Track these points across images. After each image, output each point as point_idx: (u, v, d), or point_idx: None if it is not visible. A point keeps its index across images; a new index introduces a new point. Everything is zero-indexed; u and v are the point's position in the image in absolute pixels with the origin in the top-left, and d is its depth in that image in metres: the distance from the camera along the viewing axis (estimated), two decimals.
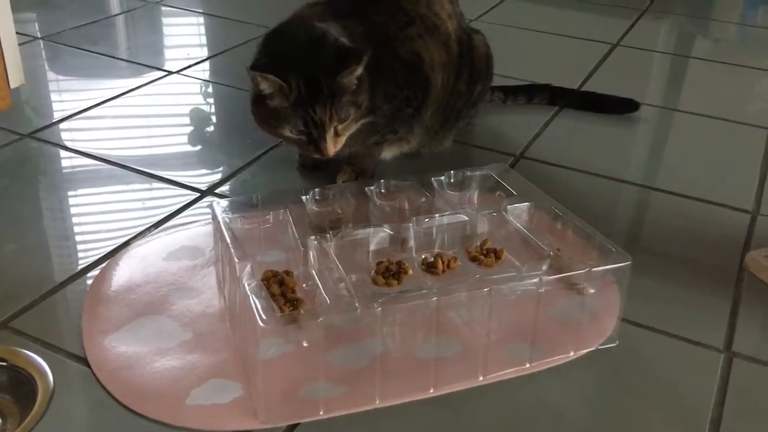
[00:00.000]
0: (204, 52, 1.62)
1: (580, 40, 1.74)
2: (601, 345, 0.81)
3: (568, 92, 1.42)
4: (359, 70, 0.92)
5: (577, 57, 1.65)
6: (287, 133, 0.94)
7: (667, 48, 1.80)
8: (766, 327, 0.87)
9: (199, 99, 1.43)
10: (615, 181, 1.15)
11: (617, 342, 0.81)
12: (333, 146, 0.93)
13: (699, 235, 1.03)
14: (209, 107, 1.42)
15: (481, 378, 0.76)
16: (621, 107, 1.38)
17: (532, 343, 0.79)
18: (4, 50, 0.92)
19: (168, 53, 1.65)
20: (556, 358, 0.79)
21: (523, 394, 0.76)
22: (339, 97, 0.91)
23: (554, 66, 1.60)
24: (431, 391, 0.74)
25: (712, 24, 2.00)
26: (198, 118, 1.39)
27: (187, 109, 1.40)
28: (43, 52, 1.59)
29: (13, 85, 0.94)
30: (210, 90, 1.47)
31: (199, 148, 1.25)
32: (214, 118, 1.40)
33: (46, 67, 1.55)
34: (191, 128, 1.34)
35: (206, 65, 1.54)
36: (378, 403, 0.73)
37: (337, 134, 0.94)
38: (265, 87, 0.91)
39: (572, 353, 0.80)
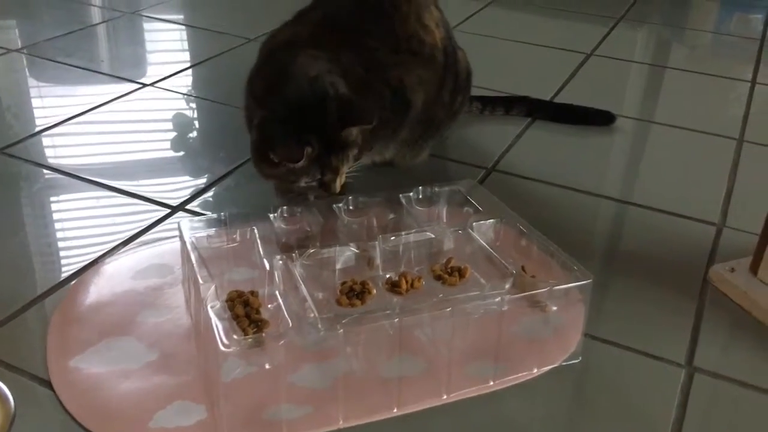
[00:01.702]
0: (180, 64, 1.62)
1: (554, 50, 1.76)
2: (564, 361, 0.82)
3: (546, 104, 1.43)
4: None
5: (551, 66, 1.66)
6: (302, 184, 0.96)
7: (643, 57, 1.82)
8: (728, 341, 0.88)
9: (173, 112, 1.43)
10: (585, 194, 1.16)
11: (580, 358, 0.82)
12: (340, 184, 0.97)
13: (665, 248, 1.04)
14: (184, 119, 1.43)
15: (444, 396, 0.77)
16: (597, 119, 1.39)
17: (495, 360, 0.79)
18: None
19: (144, 65, 1.65)
20: (519, 375, 0.80)
21: (487, 412, 0.76)
22: (351, 147, 0.96)
23: (528, 75, 1.61)
24: (395, 410, 0.75)
25: (688, 32, 2.02)
26: (179, 124, 1.40)
27: (157, 124, 1.40)
28: (16, 64, 1.59)
29: None
30: (184, 103, 1.46)
31: (171, 162, 1.26)
32: (193, 128, 1.40)
33: (10, 84, 1.54)
34: (173, 135, 1.35)
35: (182, 77, 1.54)
36: (341, 424, 0.73)
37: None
38: (296, 158, 0.93)
39: (535, 370, 0.81)
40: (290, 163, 0.92)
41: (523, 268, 0.86)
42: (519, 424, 0.76)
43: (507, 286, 0.78)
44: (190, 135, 1.37)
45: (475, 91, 1.28)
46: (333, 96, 0.94)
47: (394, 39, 1.07)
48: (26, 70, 1.58)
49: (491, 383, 0.79)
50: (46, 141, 1.26)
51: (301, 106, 0.94)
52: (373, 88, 1.03)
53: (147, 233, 1.02)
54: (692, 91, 1.60)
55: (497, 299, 0.76)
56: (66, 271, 0.93)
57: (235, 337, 0.68)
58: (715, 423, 0.77)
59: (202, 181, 1.16)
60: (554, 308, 0.80)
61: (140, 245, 0.99)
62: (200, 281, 0.76)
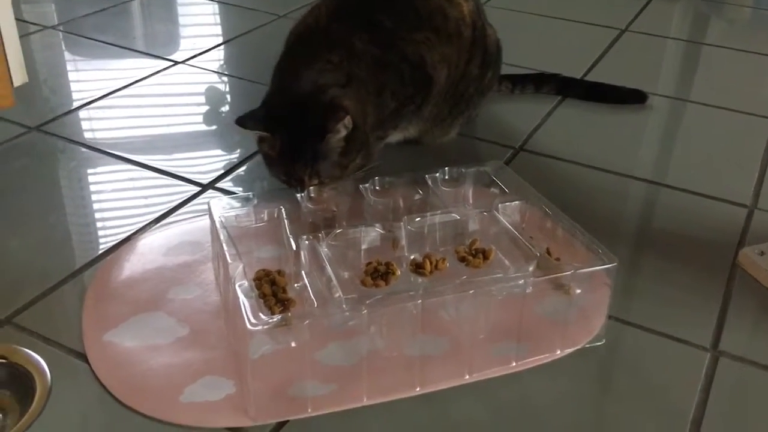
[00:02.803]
0: (212, 39, 1.63)
1: (587, 25, 1.73)
2: (587, 344, 0.82)
3: (576, 82, 1.42)
4: (343, 132, 0.94)
5: (584, 43, 1.64)
6: (274, 175, 0.98)
7: (680, 33, 1.78)
8: (755, 326, 0.88)
9: (201, 99, 1.45)
10: (614, 175, 1.15)
11: (604, 341, 0.83)
12: (317, 196, 0.95)
13: (695, 230, 1.04)
14: (210, 106, 1.44)
15: (467, 376, 0.78)
16: (628, 98, 1.37)
17: (518, 341, 0.80)
18: (6, 49, 0.94)
19: (176, 42, 1.67)
20: (542, 356, 0.80)
21: (509, 392, 0.77)
22: (322, 159, 0.94)
23: (560, 52, 1.59)
24: (418, 389, 0.76)
25: (727, 7, 1.97)
26: (211, 97, 1.42)
27: (189, 101, 1.42)
28: (52, 41, 1.61)
29: (16, 83, 0.96)
30: (217, 80, 1.48)
31: (202, 138, 1.28)
32: (225, 102, 1.42)
33: (47, 62, 1.56)
34: (205, 109, 1.38)
35: (214, 54, 1.55)
36: (365, 401, 0.75)
37: (323, 184, 0.96)
38: (258, 135, 0.96)
39: (559, 352, 0.81)
40: (242, 127, 0.95)
41: (548, 250, 0.86)
42: (541, 405, 0.77)
43: (531, 268, 0.79)
44: (223, 109, 1.39)
45: (504, 69, 1.27)
46: (321, 99, 0.96)
47: (414, 16, 1.07)
48: (62, 45, 1.61)
49: (514, 364, 0.79)
50: (80, 118, 1.29)
51: (288, 107, 0.96)
52: (391, 66, 1.03)
53: (178, 211, 1.04)
54: (729, 68, 1.57)
55: (521, 282, 0.76)
56: (100, 248, 0.96)
57: (262, 316, 0.70)
58: (738, 408, 0.77)
59: (233, 157, 1.18)
60: (578, 291, 0.80)
61: (172, 223, 1.02)
62: (228, 260, 0.78)
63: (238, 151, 1.20)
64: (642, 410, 0.76)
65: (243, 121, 0.96)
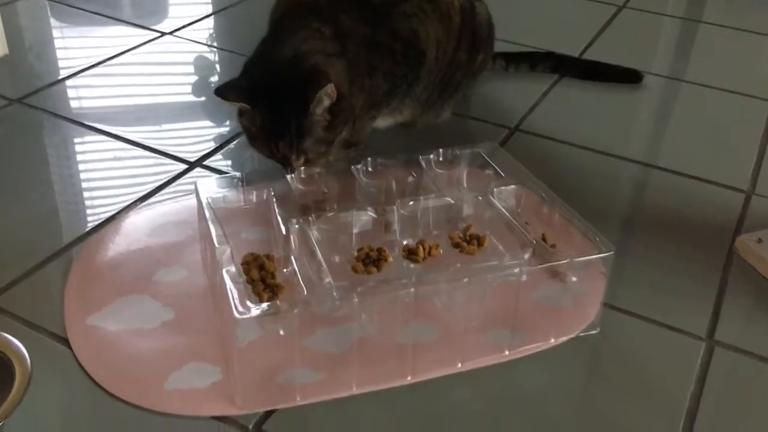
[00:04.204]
0: (201, 7, 1.59)
1: (585, 1, 1.70)
2: (582, 332, 0.81)
3: (571, 61, 1.39)
4: (326, 101, 0.88)
5: (582, 19, 1.61)
6: (258, 150, 0.93)
7: (677, 10, 1.75)
8: (751, 315, 0.87)
9: (187, 68, 1.41)
10: (610, 157, 1.13)
11: (598, 329, 0.81)
12: (302, 174, 0.91)
13: (691, 215, 1.02)
14: (198, 76, 1.40)
15: (459, 365, 0.76)
16: (624, 78, 1.35)
17: (512, 328, 0.79)
18: None
19: (164, 11, 1.63)
20: (536, 345, 0.79)
21: (502, 381, 0.76)
22: (307, 134, 0.89)
23: (556, 29, 1.56)
24: (409, 378, 0.75)
25: None
26: (200, 67, 1.39)
27: (178, 71, 1.38)
28: (28, 12, 1.57)
29: None
30: (206, 51, 1.44)
31: (190, 111, 1.25)
32: (214, 72, 1.38)
33: (32, 31, 1.52)
34: (194, 79, 1.36)
35: (202, 25, 1.51)
36: (355, 390, 0.73)
37: (309, 162, 0.92)
38: (239, 107, 0.91)
39: (552, 340, 0.80)
40: (222, 98, 0.90)
41: (543, 236, 0.84)
42: (534, 394, 0.75)
43: (526, 256, 0.77)
44: (212, 79, 1.36)
45: (498, 46, 1.24)
46: (304, 70, 0.90)
47: None
48: (48, 13, 1.56)
49: (507, 352, 0.78)
50: (65, 89, 1.25)
51: (269, 76, 0.91)
52: (381, 44, 1.00)
53: (165, 189, 1.01)
54: (727, 47, 1.54)
55: (516, 270, 0.74)
56: (84, 228, 0.93)
57: (249, 303, 0.68)
58: (734, 399, 0.76)
59: (222, 131, 1.15)
60: (574, 279, 0.79)
61: (158, 201, 0.99)
62: (216, 244, 0.76)
63: (227, 125, 1.17)
64: (636, 400, 0.75)
65: (223, 92, 0.90)
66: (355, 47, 0.96)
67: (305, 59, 0.91)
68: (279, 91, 0.89)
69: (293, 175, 0.91)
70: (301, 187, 0.90)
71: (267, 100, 0.89)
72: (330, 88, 0.88)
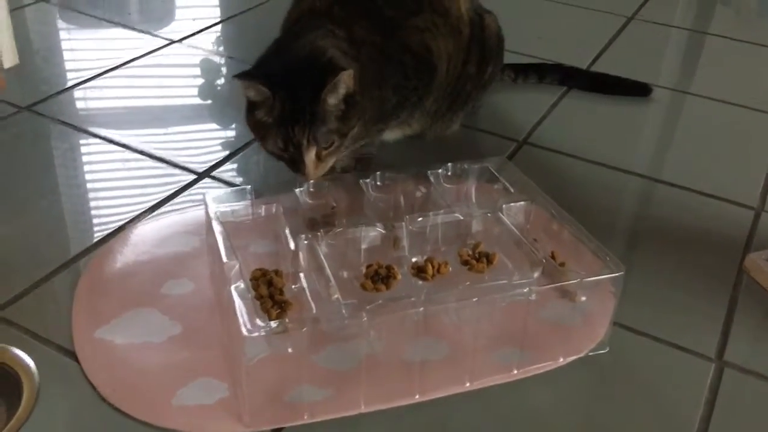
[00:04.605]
0: (210, 18, 1.59)
1: (594, 12, 1.69)
2: (591, 351, 0.80)
3: (580, 73, 1.39)
4: (342, 90, 0.88)
5: (590, 30, 1.61)
6: (270, 148, 0.91)
7: (685, 22, 1.75)
8: (762, 335, 0.86)
9: (196, 71, 1.41)
10: (618, 171, 1.13)
11: (608, 348, 0.81)
12: (314, 170, 0.90)
13: (700, 232, 1.01)
14: (204, 79, 1.40)
15: (467, 384, 0.76)
16: (633, 91, 1.34)
17: (521, 347, 0.78)
18: None
19: (172, 18, 1.63)
20: (544, 364, 0.79)
21: (510, 401, 0.76)
22: (321, 122, 0.88)
23: (565, 40, 1.56)
24: (417, 396, 0.74)
25: None
26: (206, 69, 1.40)
27: (185, 81, 1.38)
28: (37, 18, 1.57)
29: (6, 65, 0.93)
30: (214, 61, 1.44)
31: (198, 119, 1.24)
32: (220, 75, 1.38)
33: (39, 37, 1.52)
34: (200, 82, 1.36)
35: (210, 34, 1.51)
36: (363, 408, 0.73)
37: (319, 159, 0.90)
38: (251, 95, 0.89)
39: (561, 359, 0.79)
40: (247, 95, 0.89)
41: (552, 254, 0.84)
42: (543, 414, 0.75)
43: (535, 275, 0.76)
44: (218, 82, 1.36)
45: (507, 57, 1.24)
46: (323, 63, 0.89)
47: (414, 2, 1.03)
48: (57, 19, 1.56)
49: (515, 371, 0.78)
50: (73, 97, 1.25)
51: (287, 65, 0.91)
52: (392, 56, 0.99)
53: (173, 200, 1.01)
54: (735, 60, 1.54)
55: (525, 290, 0.74)
56: (91, 239, 0.93)
57: (258, 321, 0.68)
58: (744, 422, 0.76)
59: (229, 136, 1.15)
60: (583, 298, 0.78)
61: (166, 212, 0.99)
62: (224, 259, 0.76)
63: (234, 128, 1.16)
64: (645, 422, 0.75)
65: (245, 74, 0.88)
66: (366, 57, 0.96)
67: (322, 53, 0.91)
68: (296, 78, 0.88)
69: (304, 175, 0.89)
70: (309, 201, 0.90)
71: (285, 85, 0.88)
72: (348, 75, 0.87)
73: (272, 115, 0.89)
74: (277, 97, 0.88)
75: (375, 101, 0.98)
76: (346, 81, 0.88)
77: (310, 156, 0.89)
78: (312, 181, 0.91)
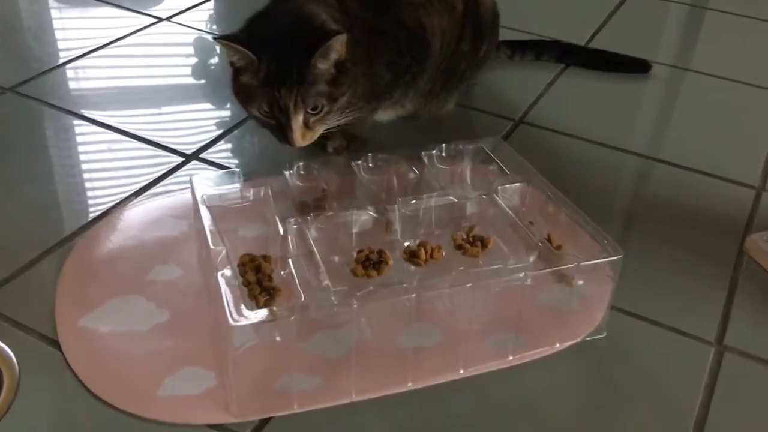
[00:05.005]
0: None
1: None
2: (588, 336, 0.79)
3: (578, 50, 1.36)
4: (333, 54, 0.86)
5: (587, 7, 1.57)
6: (255, 112, 0.89)
7: None
8: (762, 319, 0.84)
9: (186, 50, 1.38)
10: (616, 150, 1.11)
11: (605, 333, 0.79)
12: (301, 137, 0.87)
13: (699, 212, 0.99)
14: (198, 58, 1.37)
15: (461, 371, 0.74)
16: (632, 67, 1.32)
17: (516, 333, 0.76)
18: None
19: None
20: (540, 349, 0.77)
21: (506, 388, 0.74)
22: (310, 84, 0.85)
23: (562, 16, 1.53)
24: (409, 384, 0.73)
25: None
26: (200, 48, 1.37)
27: (175, 61, 1.35)
28: None
29: None
30: (208, 40, 1.41)
31: (189, 98, 1.21)
32: (214, 54, 1.35)
33: (25, 14, 1.49)
34: (194, 61, 1.33)
35: (200, 12, 1.48)
36: (354, 397, 0.71)
37: (307, 126, 0.88)
38: (235, 59, 0.87)
39: (558, 345, 0.77)
40: (231, 60, 0.87)
41: (548, 237, 0.82)
42: (539, 401, 0.73)
43: (531, 259, 0.74)
44: (212, 61, 1.33)
45: (503, 33, 1.21)
46: (312, 26, 0.87)
47: None
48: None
49: (510, 357, 0.76)
50: (59, 78, 1.22)
51: (273, 27, 0.89)
52: (386, 33, 0.97)
53: (160, 183, 0.99)
54: (736, 36, 1.51)
55: (520, 274, 0.72)
56: (76, 224, 0.91)
57: (245, 309, 0.65)
58: (744, 407, 0.74)
59: (221, 117, 1.12)
60: (580, 282, 0.76)
61: (153, 196, 0.96)
62: (211, 245, 0.73)
63: (225, 112, 1.14)
64: (644, 408, 0.73)
65: (226, 36, 0.86)
66: (358, 32, 0.93)
67: (314, 17, 0.89)
68: (285, 41, 0.86)
69: (290, 144, 0.87)
70: (299, 183, 0.88)
71: (272, 48, 0.86)
72: (340, 40, 0.85)
73: (258, 78, 0.86)
74: (263, 60, 0.85)
75: (367, 77, 0.95)
76: (338, 46, 0.86)
77: (297, 121, 0.86)
78: (302, 164, 0.88)
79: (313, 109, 0.87)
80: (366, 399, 0.71)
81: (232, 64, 0.89)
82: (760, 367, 0.78)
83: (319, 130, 0.90)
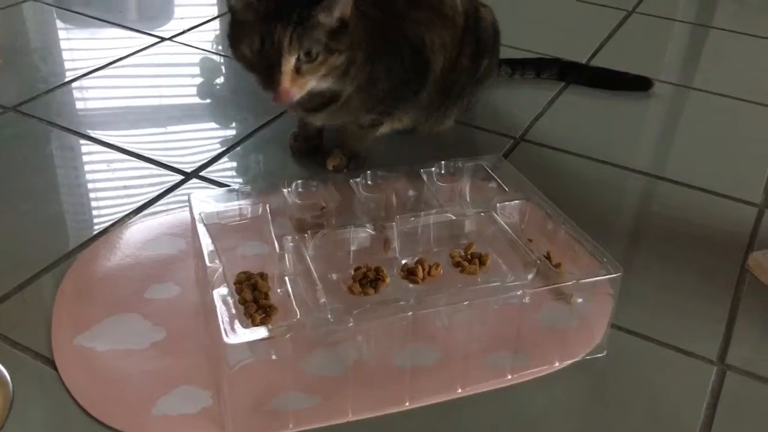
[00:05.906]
0: (200, 16, 1.57)
1: (593, 5, 1.66)
2: (588, 355, 0.78)
3: (578, 67, 1.36)
4: (336, 12, 0.83)
5: (589, 25, 1.58)
6: (246, 50, 0.84)
7: (687, 15, 1.72)
8: (765, 337, 0.83)
9: (191, 70, 1.38)
10: (617, 168, 1.10)
11: (605, 352, 0.78)
12: (289, 83, 0.82)
13: (701, 230, 0.98)
14: (203, 78, 1.38)
15: (459, 390, 0.73)
16: (633, 85, 1.32)
17: (515, 351, 0.76)
18: None
19: (162, 15, 1.60)
20: (539, 368, 0.76)
21: (504, 407, 0.73)
22: (309, 28, 0.82)
23: (563, 34, 1.53)
24: (407, 403, 0.72)
25: None
26: (206, 69, 1.37)
27: (179, 81, 1.36)
28: (31, 16, 1.54)
29: None
30: (214, 60, 1.42)
31: (192, 118, 1.22)
32: (220, 74, 1.36)
33: (31, 35, 1.50)
34: (199, 81, 1.33)
35: (202, 32, 1.49)
36: (351, 416, 0.70)
37: (299, 73, 0.84)
38: (233, 2, 0.85)
39: (557, 363, 0.77)
40: (229, 3, 0.84)
41: (548, 254, 0.81)
42: (538, 420, 0.72)
43: (530, 276, 0.74)
44: (217, 81, 1.33)
45: (504, 51, 1.21)
46: None
47: None
48: (52, 17, 1.54)
49: (509, 376, 0.75)
50: (62, 97, 1.23)
51: None
52: (391, 44, 0.97)
53: (159, 201, 0.99)
54: (738, 53, 1.50)
55: (518, 292, 0.71)
56: (75, 242, 0.91)
57: (240, 327, 0.65)
58: (747, 428, 0.73)
59: (228, 134, 1.13)
60: (579, 300, 0.75)
61: (152, 214, 0.96)
62: (207, 263, 0.73)
63: (230, 133, 1.14)
64: (645, 428, 0.72)
65: None
66: (364, 28, 0.92)
67: None
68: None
69: (276, 92, 0.83)
70: (298, 201, 0.87)
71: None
72: (344, 3, 0.83)
73: (257, 14, 0.83)
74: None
75: (367, 71, 0.94)
76: (342, 5, 0.83)
77: (289, 62, 0.82)
78: (300, 181, 0.88)
79: (306, 54, 0.84)
80: (363, 418, 0.71)
81: (229, 7, 0.86)
82: (763, 386, 0.76)
83: (309, 83, 0.86)
